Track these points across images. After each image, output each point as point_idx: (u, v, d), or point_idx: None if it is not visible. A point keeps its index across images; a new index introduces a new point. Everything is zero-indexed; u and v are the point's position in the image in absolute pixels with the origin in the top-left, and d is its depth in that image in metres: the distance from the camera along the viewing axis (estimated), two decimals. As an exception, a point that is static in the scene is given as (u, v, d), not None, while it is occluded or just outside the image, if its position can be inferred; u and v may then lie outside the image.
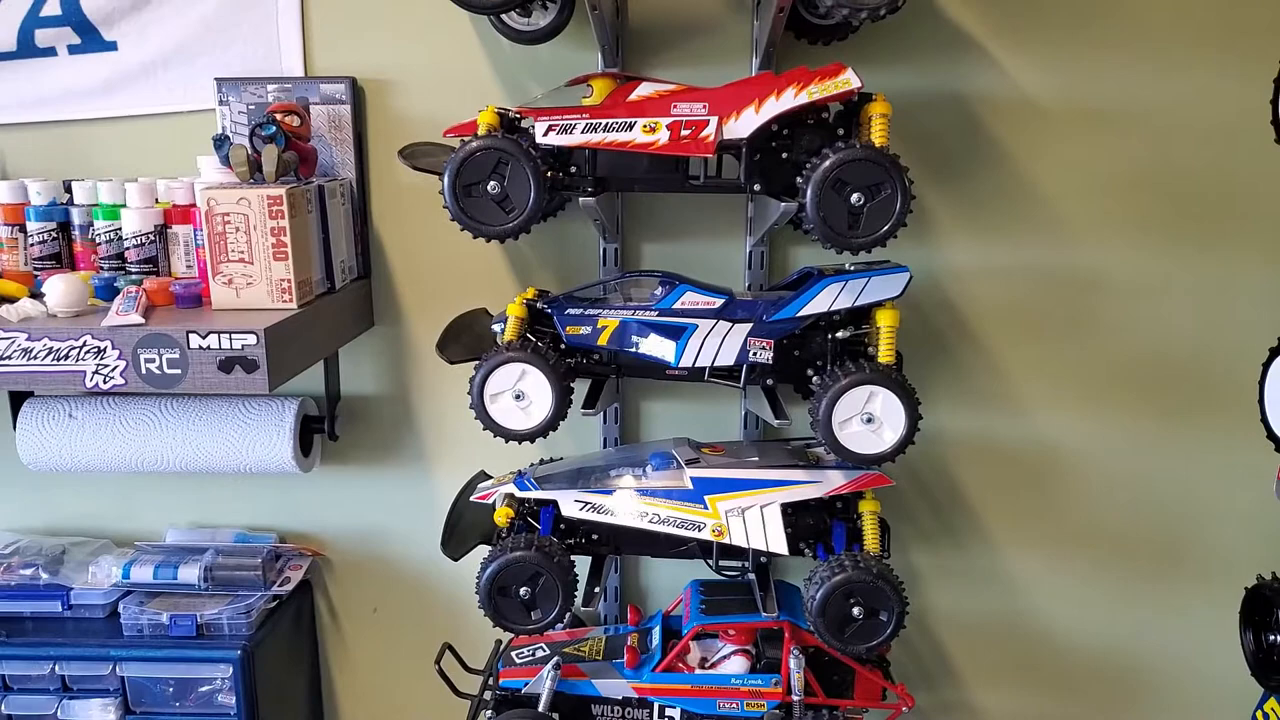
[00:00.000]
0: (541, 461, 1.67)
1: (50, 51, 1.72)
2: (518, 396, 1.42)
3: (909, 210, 1.30)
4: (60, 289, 1.46)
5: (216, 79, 1.69)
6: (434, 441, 1.85)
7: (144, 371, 1.39)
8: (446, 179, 1.33)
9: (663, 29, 1.65)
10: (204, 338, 1.37)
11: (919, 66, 1.65)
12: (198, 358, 1.38)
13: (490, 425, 1.43)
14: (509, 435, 1.44)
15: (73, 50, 1.72)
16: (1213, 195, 1.68)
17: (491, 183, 1.34)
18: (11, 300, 1.51)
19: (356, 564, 1.91)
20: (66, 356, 1.40)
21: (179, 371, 1.39)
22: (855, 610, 1.41)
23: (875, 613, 1.42)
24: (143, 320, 1.41)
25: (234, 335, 1.37)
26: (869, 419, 1.37)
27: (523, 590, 1.45)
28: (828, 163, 1.28)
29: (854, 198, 1.29)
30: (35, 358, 1.40)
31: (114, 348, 1.39)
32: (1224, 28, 1.63)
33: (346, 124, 1.70)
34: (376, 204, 1.76)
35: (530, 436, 1.43)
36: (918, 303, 1.71)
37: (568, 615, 1.48)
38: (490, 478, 1.65)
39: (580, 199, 1.41)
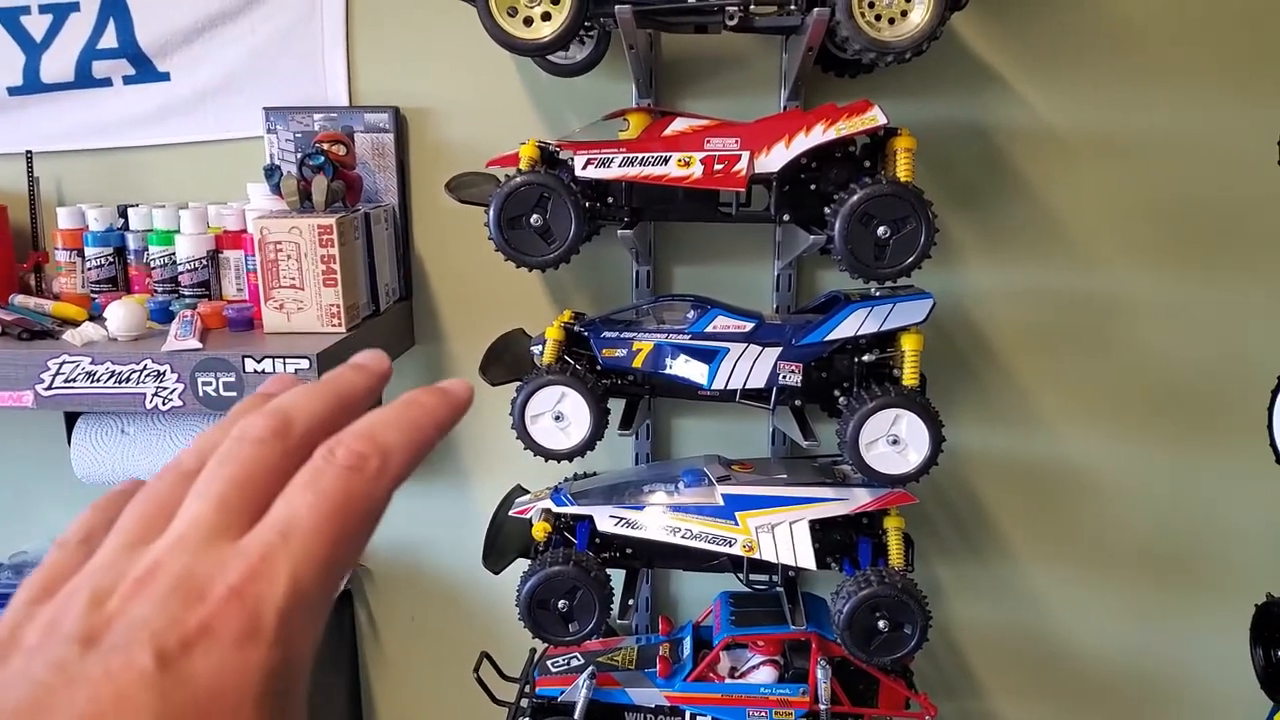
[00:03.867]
0: (576, 476, 1.74)
1: (106, 82, 1.80)
2: (557, 418, 1.48)
3: (933, 243, 1.35)
4: (120, 314, 1.54)
5: (265, 108, 1.77)
6: (471, 456, 1.92)
7: (201, 394, 1.46)
8: (492, 213, 1.40)
9: (694, 62, 1.71)
10: (259, 362, 1.44)
11: (942, 98, 1.70)
12: (253, 381, 1.45)
13: (531, 445, 1.49)
14: (548, 455, 1.50)
15: (128, 81, 1.80)
16: (1229, 223, 1.73)
17: (534, 216, 1.40)
18: (73, 323, 1.58)
19: (396, 575, 1.98)
20: (128, 379, 1.47)
21: (235, 395, 1.46)
22: (880, 623, 1.47)
23: (900, 626, 1.47)
24: (200, 345, 1.49)
25: (288, 360, 1.43)
26: (894, 440, 1.42)
27: (561, 603, 1.51)
28: (855, 198, 1.34)
29: (880, 231, 1.35)
30: (98, 380, 1.47)
31: (173, 371, 1.46)
32: (1244, 59, 1.67)
33: (390, 151, 1.77)
34: (418, 228, 1.82)
35: (569, 456, 1.49)
36: (942, 324, 1.77)
37: (603, 626, 1.55)
38: (527, 492, 1.72)
39: (618, 230, 1.47)
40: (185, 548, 0.33)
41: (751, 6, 1.38)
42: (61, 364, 1.47)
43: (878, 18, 1.31)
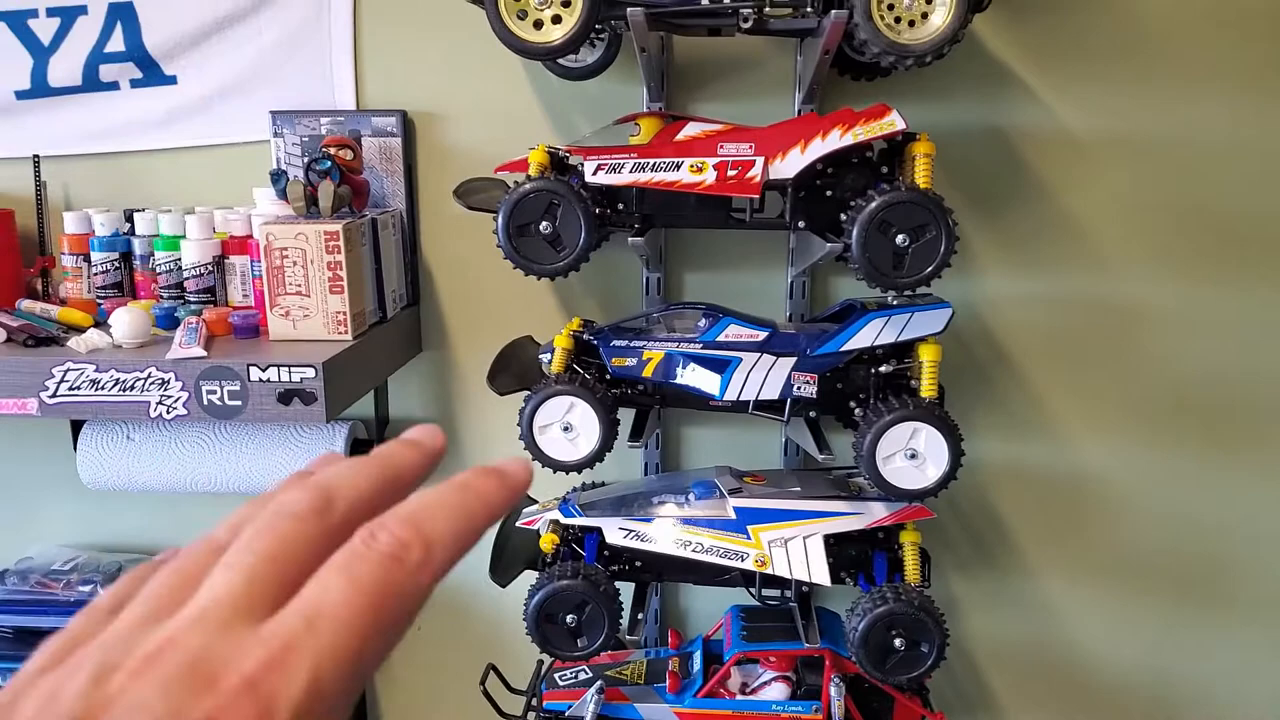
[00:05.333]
0: (585, 486, 1.70)
1: (113, 86, 1.78)
2: (566, 428, 1.45)
3: (954, 251, 1.32)
4: (126, 320, 1.51)
5: (271, 112, 1.74)
6: (478, 463, 1.88)
7: (206, 403, 1.44)
8: (500, 220, 1.37)
9: (707, 65, 1.68)
10: (264, 371, 1.42)
11: (960, 101, 1.67)
12: (258, 390, 1.42)
13: (539, 456, 1.46)
14: (557, 466, 1.47)
15: (135, 84, 1.78)
16: (1254, 228, 1.69)
17: (544, 223, 1.37)
18: (78, 330, 1.56)
19: (402, 583, 1.95)
20: (132, 387, 1.45)
21: (239, 403, 1.43)
22: (897, 641, 1.43)
23: (917, 644, 1.44)
24: (205, 353, 1.46)
25: (293, 368, 1.41)
26: (912, 454, 1.39)
27: (569, 618, 1.48)
28: (873, 205, 1.31)
29: (899, 239, 1.31)
30: (102, 388, 1.45)
31: (177, 379, 1.44)
32: (1269, 61, 1.63)
33: (397, 156, 1.74)
34: (425, 233, 1.80)
35: (578, 468, 1.46)
36: (959, 333, 1.73)
37: (612, 641, 1.51)
38: (535, 502, 1.69)
39: (629, 238, 1.44)
40: (204, 625, 0.30)
41: (766, 9, 1.35)
42: (66, 372, 1.45)
43: (897, 20, 1.28)
